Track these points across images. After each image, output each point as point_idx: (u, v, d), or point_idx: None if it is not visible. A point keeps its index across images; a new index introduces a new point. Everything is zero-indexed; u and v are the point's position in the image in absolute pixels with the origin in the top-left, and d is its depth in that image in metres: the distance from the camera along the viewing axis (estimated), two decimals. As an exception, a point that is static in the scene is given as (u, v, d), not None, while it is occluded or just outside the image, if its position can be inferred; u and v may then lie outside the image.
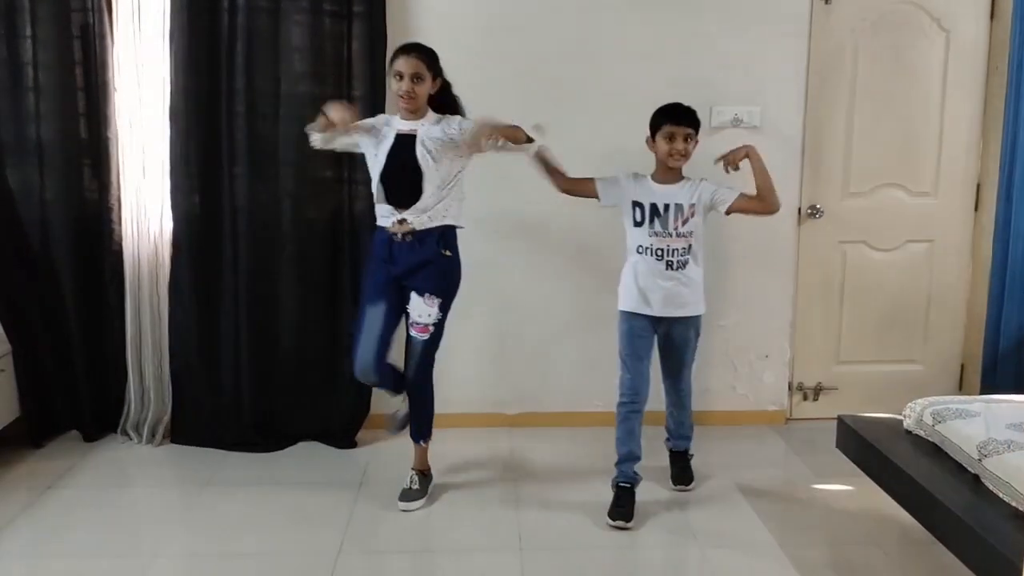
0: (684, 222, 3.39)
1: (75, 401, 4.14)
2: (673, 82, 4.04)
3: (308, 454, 4.06)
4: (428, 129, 3.34)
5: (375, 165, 3.39)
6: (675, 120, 3.37)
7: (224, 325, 4.13)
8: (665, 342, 3.54)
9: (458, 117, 3.40)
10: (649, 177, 3.47)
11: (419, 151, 3.30)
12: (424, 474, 3.62)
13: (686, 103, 3.43)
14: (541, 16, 4.17)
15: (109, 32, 3.91)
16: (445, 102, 3.44)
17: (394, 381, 3.58)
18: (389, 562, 3.16)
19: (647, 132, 3.45)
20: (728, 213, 3.44)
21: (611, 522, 3.36)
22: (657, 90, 4.01)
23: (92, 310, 4.11)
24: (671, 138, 3.35)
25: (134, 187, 4.05)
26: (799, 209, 4.37)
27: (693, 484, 3.69)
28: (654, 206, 3.40)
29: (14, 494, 3.62)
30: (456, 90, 4.09)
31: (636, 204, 3.43)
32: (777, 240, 4.35)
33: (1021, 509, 2.48)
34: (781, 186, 4.26)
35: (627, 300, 3.48)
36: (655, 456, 3.70)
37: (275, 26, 3.93)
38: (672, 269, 3.40)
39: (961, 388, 4.59)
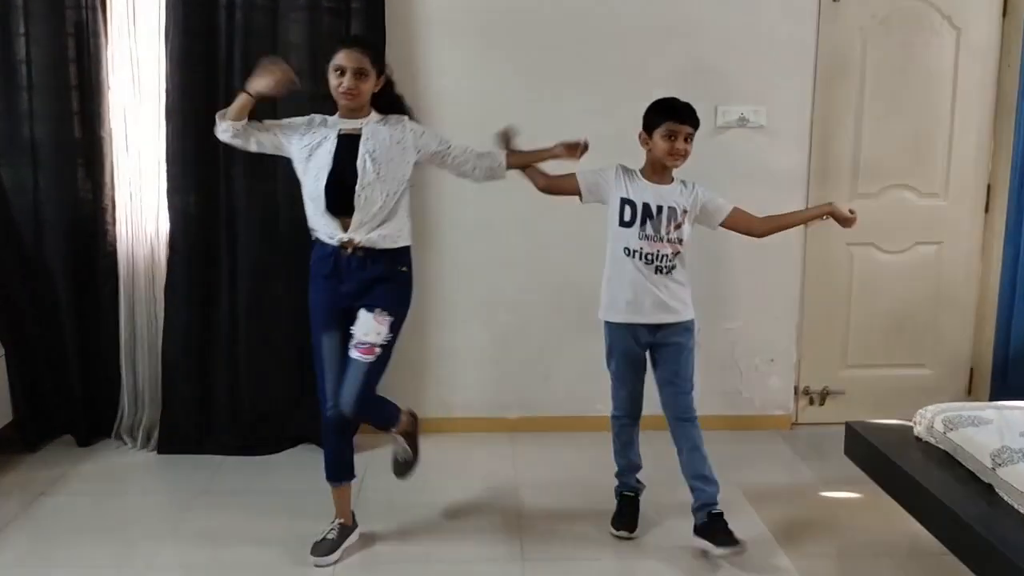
0: (677, 227, 3.14)
1: (69, 405, 4.09)
2: (678, 80, 3.97)
3: (304, 461, 3.99)
4: (373, 129, 3.04)
5: (313, 170, 3.01)
6: (678, 118, 3.11)
7: (220, 327, 4.07)
8: (659, 354, 3.24)
9: (406, 120, 3.12)
10: (639, 173, 3.22)
11: (361, 153, 2.99)
12: (410, 434, 3.36)
13: (692, 102, 3.23)
14: (542, 11, 4.10)
15: (103, 30, 3.86)
16: (389, 101, 3.14)
17: (382, 413, 3.26)
18: (388, 571, 3.10)
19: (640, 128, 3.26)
20: (720, 226, 3.24)
21: (614, 531, 3.29)
22: (661, 89, 3.94)
23: (86, 312, 4.05)
24: (671, 136, 3.10)
25: (128, 187, 4.00)
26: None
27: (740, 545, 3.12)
28: (647, 207, 3.13)
29: (7, 500, 3.57)
30: (456, 85, 4.05)
31: (626, 202, 3.16)
32: (783, 242, 4.27)
33: (1037, 520, 2.41)
34: (788, 187, 4.25)
35: (613, 310, 3.24)
36: (657, 462, 3.63)
37: (272, 23, 3.88)
38: (661, 274, 3.15)
39: (970, 393, 4.52)
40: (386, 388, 4.12)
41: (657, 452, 3.58)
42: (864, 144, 4.31)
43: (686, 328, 3.23)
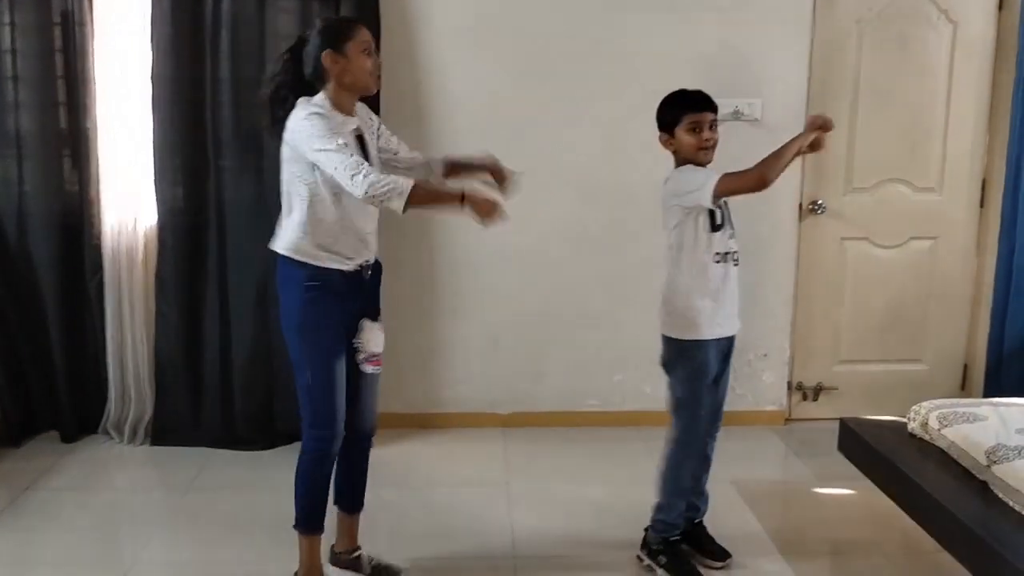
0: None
1: (54, 400, 4.05)
2: (673, 73, 3.93)
3: (293, 456, 3.95)
4: (366, 122, 2.76)
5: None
6: (697, 107, 2.85)
7: (209, 320, 4.03)
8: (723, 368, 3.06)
9: (364, 107, 2.79)
10: None
11: (372, 153, 2.71)
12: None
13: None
14: (538, 4, 4.06)
15: (89, 20, 3.81)
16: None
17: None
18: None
19: (651, 129, 3.02)
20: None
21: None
22: (656, 81, 3.90)
23: (72, 305, 4.01)
24: (696, 128, 2.84)
25: (115, 179, 3.96)
26: (800, 205, 4.28)
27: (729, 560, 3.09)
28: (726, 204, 2.90)
29: (-9, 495, 3.54)
30: (453, 75, 3.99)
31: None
32: (777, 236, 4.27)
33: (1032, 519, 2.39)
34: (782, 181, 4.18)
35: (711, 325, 2.94)
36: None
37: (261, 13, 3.83)
38: (733, 269, 2.95)
39: (964, 388, 4.51)
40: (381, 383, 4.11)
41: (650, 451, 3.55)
42: (859, 138, 4.28)
43: (670, 345, 3.01)
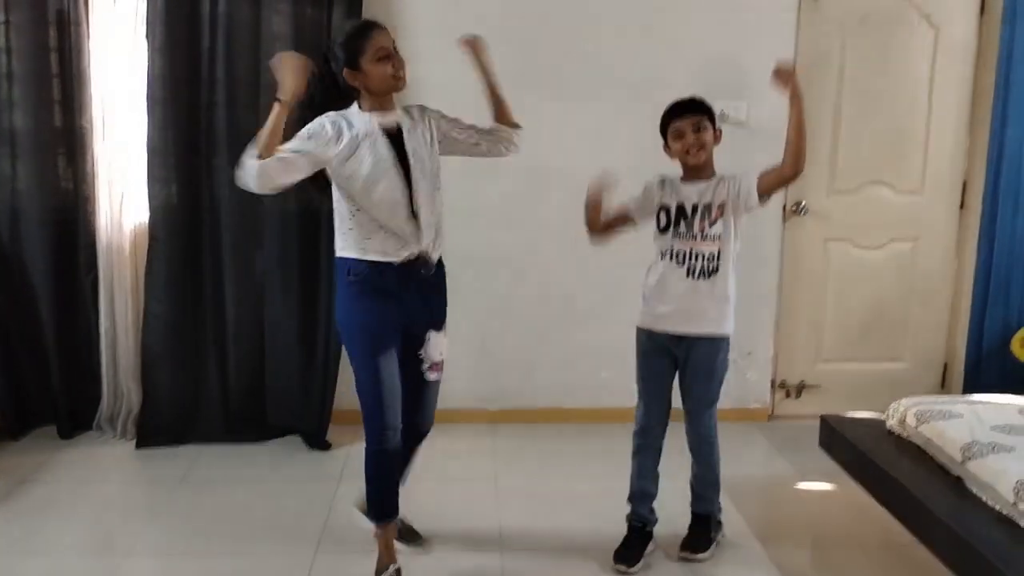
0: (712, 223, 2.96)
1: (50, 395, 4.08)
2: (659, 76, 4.01)
3: (285, 451, 4.01)
4: (407, 121, 2.78)
5: (375, 176, 2.66)
6: (675, 113, 2.95)
7: (201, 318, 4.07)
8: (683, 366, 3.08)
9: (420, 107, 2.88)
10: (679, 180, 3.04)
11: (409, 149, 2.73)
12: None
13: (672, 97, 3.12)
14: (527, 6, 4.12)
15: (85, 19, 3.84)
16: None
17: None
18: (366, 563, 3.09)
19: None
20: (762, 200, 2.98)
21: (614, 564, 3.08)
22: (643, 84, 3.97)
23: (66, 302, 4.04)
24: (680, 135, 2.93)
25: (109, 177, 3.98)
26: (784, 206, 4.34)
27: (706, 554, 3.14)
28: (680, 207, 2.97)
29: (-14, 489, 3.57)
30: (440, 81, 4.02)
31: (663, 208, 3.01)
32: (761, 237, 4.32)
33: (1004, 512, 2.46)
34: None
35: (642, 315, 3.08)
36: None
37: (255, 14, 3.87)
38: (694, 277, 2.98)
39: (944, 387, 4.58)
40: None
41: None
42: (842, 141, 4.34)
43: (718, 345, 3.06)
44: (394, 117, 2.75)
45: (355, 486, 3.43)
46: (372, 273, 2.70)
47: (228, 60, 3.89)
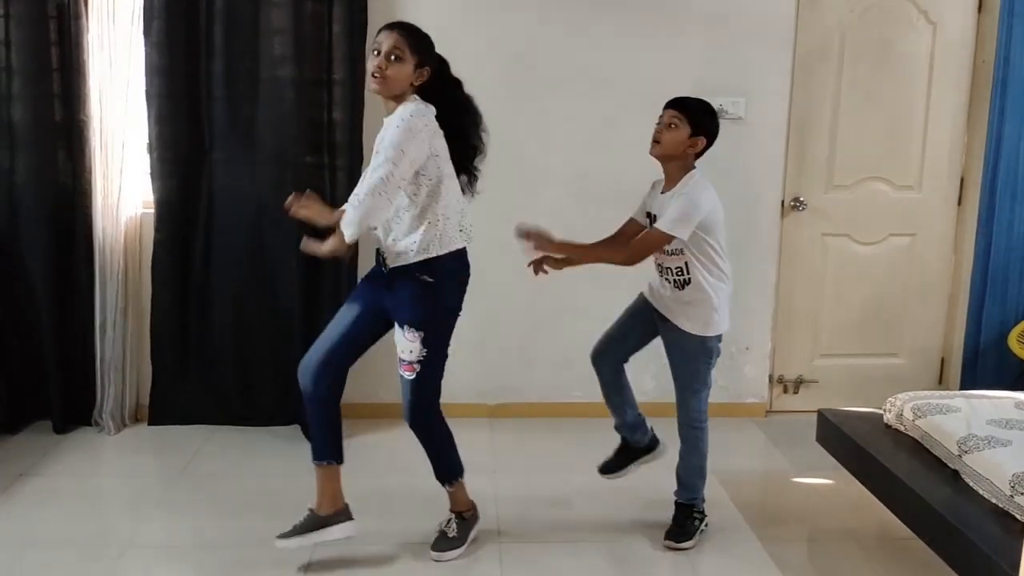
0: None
1: (47, 389, 4.07)
2: (658, 72, 4.02)
3: (285, 444, 4.01)
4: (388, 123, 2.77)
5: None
6: (666, 105, 3.02)
7: (203, 311, 4.09)
8: (664, 345, 3.17)
9: (416, 110, 2.72)
10: (661, 185, 3.11)
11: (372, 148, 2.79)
12: (463, 517, 3.13)
13: (671, 94, 3.16)
14: (527, 5, 4.12)
15: (84, 12, 3.83)
16: (450, 100, 2.85)
17: (445, 451, 3.15)
18: (367, 551, 3.12)
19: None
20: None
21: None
22: (642, 80, 3.98)
23: (64, 297, 4.04)
24: (658, 124, 3.02)
25: (108, 171, 3.98)
26: (782, 202, 4.36)
27: (686, 544, 3.16)
28: (652, 217, 3.06)
29: (-15, 482, 3.58)
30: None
31: (648, 215, 3.10)
32: (760, 232, 4.34)
33: (1000, 506, 2.48)
34: (765, 179, 4.30)
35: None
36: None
37: (255, 7, 3.88)
38: (673, 286, 3.05)
39: (941, 382, 4.60)
40: (368, 374, 4.16)
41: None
42: (840, 136, 4.36)
43: (685, 339, 3.09)
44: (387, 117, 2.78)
45: (355, 479, 3.45)
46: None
47: (227, 54, 3.89)
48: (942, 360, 4.61)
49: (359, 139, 3.96)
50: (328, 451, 3.01)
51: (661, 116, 3.02)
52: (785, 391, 4.57)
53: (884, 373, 4.47)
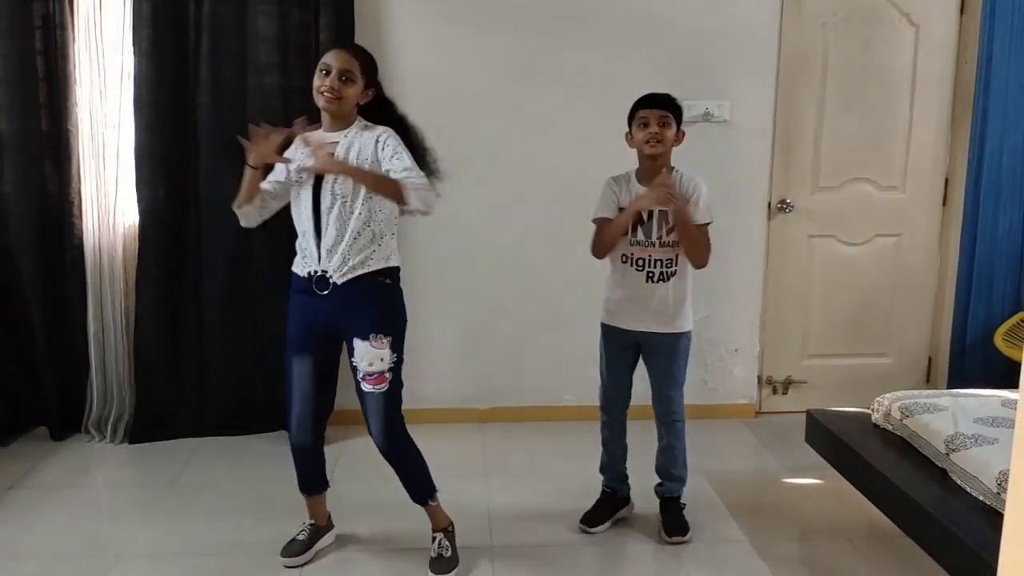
0: (670, 230, 3.05)
1: (40, 399, 4.07)
2: (643, 75, 4.03)
3: (275, 451, 4.00)
4: (350, 141, 2.80)
5: (297, 190, 2.86)
6: (648, 104, 3.03)
7: (191, 319, 4.09)
8: (646, 352, 3.21)
9: (382, 129, 2.81)
10: (634, 177, 3.12)
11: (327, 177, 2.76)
12: (448, 531, 3.08)
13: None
14: (511, 9, 4.13)
15: (70, 22, 3.84)
16: (387, 119, 2.88)
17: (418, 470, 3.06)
18: (358, 561, 3.13)
19: (623, 131, 3.20)
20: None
21: (579, 524, 3.32)
22: (627, 83, 3.99)
23: (54, 306, 4.04)
24: (645, 124, 3.01)
25: (96, 180, 3.98)
26: (769, 204, 4.38)
27: (689, 535, 3.23)
28: (639, 212, 3.05)
29: (-25, 494, 3.56)
30: (426, 79, 4.03)
31: (621, 211, 3.09)
32: (747, 234, 4.36)
33: (987, 503, 2.50)
34: (752, 181, 4.32)
35: (605, 313, 3.23)
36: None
37: (241, 16, 3.89)
38: (653, 282, 3.08)
39: (928, 381, 4.63)
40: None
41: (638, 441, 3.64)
42: (825, 138, 4.38)
43: (678, 339, 3.16)
44: (339, 135, 2.81)
45: (346, 486, 3.46)
46: (296, 280, 2.92)
47: (214, 62, 3.90)
48: (929, 359, 4.64)
49: (347, 146, 3.97)
50: (323, 482, 3.15)
51: (644, 116, 3.03)
52: (774, 392, 4.59)
53: (872, 373, 4.50)
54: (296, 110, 3.91)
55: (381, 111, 2.89)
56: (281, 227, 3.97)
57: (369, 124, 2.83)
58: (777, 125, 4.32)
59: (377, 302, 2.84)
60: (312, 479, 3.11)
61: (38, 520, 3.36)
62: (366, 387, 2.83)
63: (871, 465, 2.89)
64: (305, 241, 2.84)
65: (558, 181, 4.23)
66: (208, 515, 3.42)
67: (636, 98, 3.11)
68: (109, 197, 4.00)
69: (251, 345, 4.11)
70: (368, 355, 2.80)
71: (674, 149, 3.11)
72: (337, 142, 2.79)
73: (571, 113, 4.20)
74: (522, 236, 4.28)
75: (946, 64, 4.38)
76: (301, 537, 3.10)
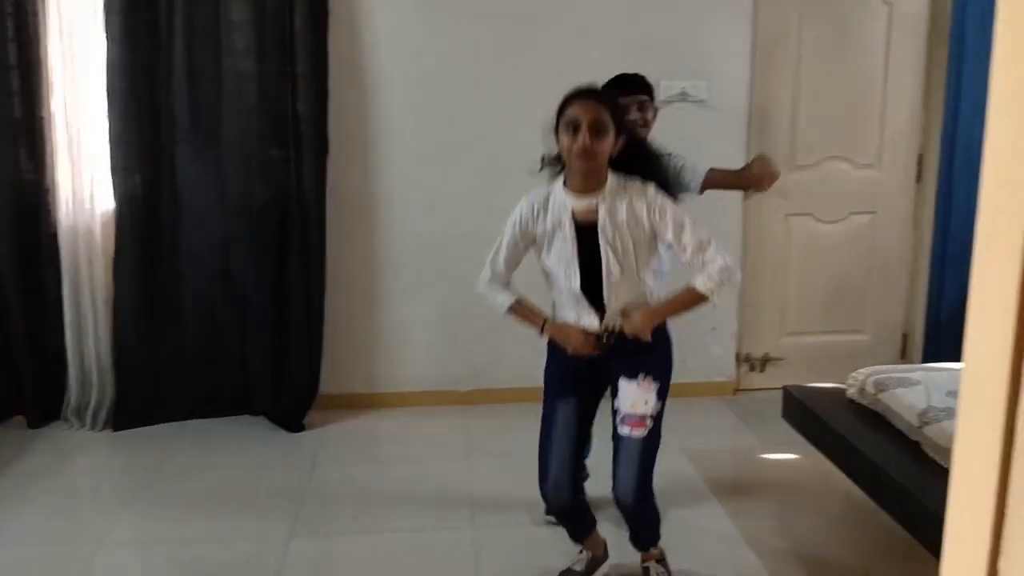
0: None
1: (17, 387, 4.06)
2: (620, 55, 4.03)
3: (258, 437, 4.02)
4: (610, 208, 2.49)
5: (555, 258, 2.66)
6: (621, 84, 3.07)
7: (168, 306, 4.08)
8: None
9: (648, 189, 2.51)
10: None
11: (601, 244, 2.51)
12: (660, 560, 2.87)
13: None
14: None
15: (42, 9, 3.80)
16: (640, 165, 2.55)
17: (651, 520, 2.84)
18: (341, 545, 3.15)
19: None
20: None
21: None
22: (604, 63, 3.99)
23: (30, 294, 4.02)
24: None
25: (70, 168, 3.96)
26: (746, 182, 4.40)
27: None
28: None
29: (-45, 483, 3.55)
30: (403, 64, 4.02)
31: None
32: (723, 213, 4.38)
33: (959, 475, 2.53)
34: (728, 160, 4.31)
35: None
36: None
37: (214, 1, 3.85)
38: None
39: (904, 356, 4.68)
40: (340, 364, 4.18)
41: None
42: (801, 117, 4.42)
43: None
44: (594, 200, 2.49)
45: (329, 470, 3.48)
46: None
47: (187, 48, 3.88)
48: (904, 335, 4.70)
49: (324, 132, 3.97)
50: (592, 523, 2.89)
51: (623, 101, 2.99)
52: (752, 369, 4.63)
53: (849, 349, 4.55)
54: (272, 96, 3.91)
55: (633, 158, 2.54)
56: (260, 212, 4.01)
57: (624, 178, 2.51)
58: (753, 104, 4.34)
59: (655, 347, 2.61)
60: (581, 528, 2.86)
61: (21, 508, 3.35)
62: (625, 430, 2.59)
63: (846, 439, 2.92)
64: (570, 303, 2.67)
65: (536, 164, 4.23)
66: (192, 500, 3.43)
67: (613, 77, 3.12)
68: (85, 184, 3.98)
69: (231, 330, 4.10)
70: (633, 395, 2.58)
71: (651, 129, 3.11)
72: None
73: (549, 96, 4.16)
74: (500, 218, 4.28)
75: (919, 41, 4.41)
76: (577, 568, 2.85)
